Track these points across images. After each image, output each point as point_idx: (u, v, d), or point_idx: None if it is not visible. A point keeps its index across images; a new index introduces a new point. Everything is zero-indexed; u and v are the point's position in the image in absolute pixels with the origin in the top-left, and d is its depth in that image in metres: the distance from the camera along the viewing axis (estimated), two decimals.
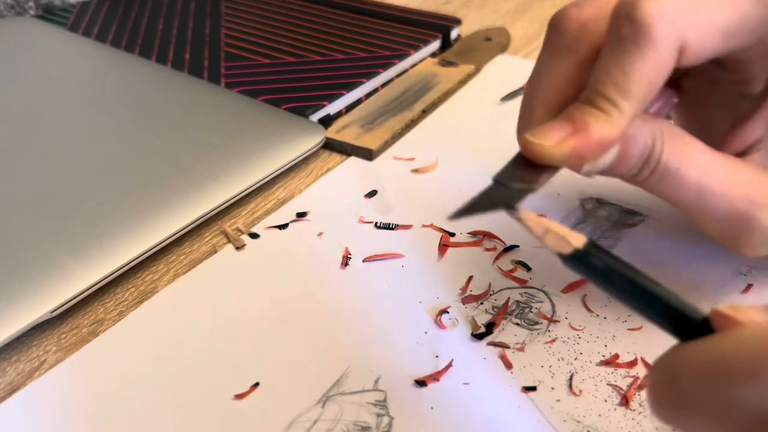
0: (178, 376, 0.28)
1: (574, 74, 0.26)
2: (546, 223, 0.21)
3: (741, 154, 0.29)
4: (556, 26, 0.27)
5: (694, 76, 0.31)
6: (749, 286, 0.31)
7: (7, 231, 0.34)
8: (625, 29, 0.23)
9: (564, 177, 0.39)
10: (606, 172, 0.27)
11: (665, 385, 0.17)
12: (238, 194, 0.38)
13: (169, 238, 0.35)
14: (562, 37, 0.26)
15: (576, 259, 0.20)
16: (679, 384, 0.17)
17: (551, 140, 0.24)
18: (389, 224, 0.36)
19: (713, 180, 0.26)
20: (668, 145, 0.26)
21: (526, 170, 0.24)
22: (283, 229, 0.37)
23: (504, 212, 0.22)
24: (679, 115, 0.33)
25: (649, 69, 0.23)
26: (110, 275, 0.32)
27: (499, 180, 0.24)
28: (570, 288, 0.32)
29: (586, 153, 0.24)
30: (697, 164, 0.26)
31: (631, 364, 0.28)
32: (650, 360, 0.28)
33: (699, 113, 0.32)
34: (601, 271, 0.20)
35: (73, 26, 0.61)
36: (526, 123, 0.27)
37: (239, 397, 0.27)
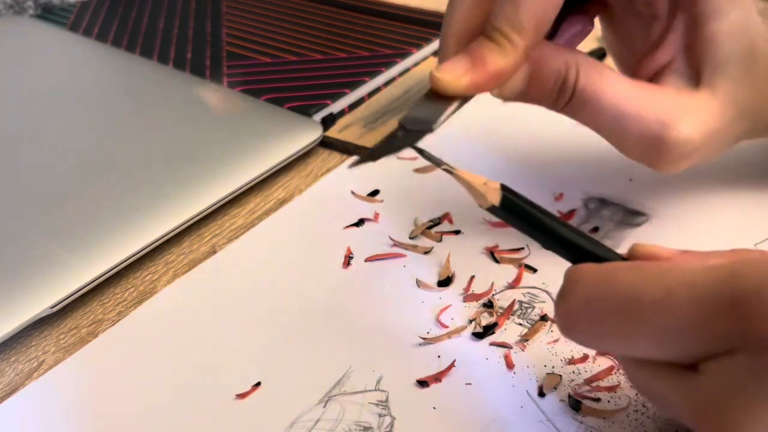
0: (178, 377, 0.28)
1: (477, 7, 0.28)
2: (470, 180, 0.24)
3: (654, 76, 0.30)
4: None
5: None
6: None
7: (6, 228, 0.34)
8: None
9: (567, 177, 0.39)
10: (523, 97, 0.29)
11: (580, 312, 0.21)
12: (235, 191, 0.38)
13: (167, 234, 0.34)
14: None
15: (496, 212, 0.24)
16: (592, 312, 0.20)
17: (452, 74, 0.26)
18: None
19: (628, 105, 0.27)
20: (584, 74, 0.27)
21: (431, 107, 0.26)
22: None
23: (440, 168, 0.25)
24: (608, 41, 0.34)
25: (537, 3, 0.25)
26: (109, 271, 0.32)
27: (403, 123, 0.26)
28: None
29: (483, 84, 0.26)
30: (612, 91, 0.27)
31: None
32: None
33: (625, 38, 0.33)
34: (519, 222, 0.24)
35: (73, 26, 0.60)
36: (441, 54, 0.29)
37: (241, 396, 0.27)
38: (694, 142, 0.27)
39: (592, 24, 0.33)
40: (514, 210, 0.23)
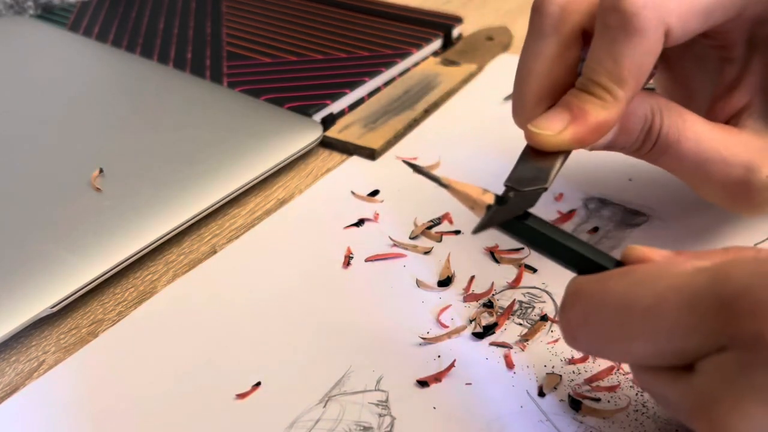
0: (178, 377, 0.28)
1: (559, 55, 0.27)
2: (471, 195, 0.23)
3: (731, 119, 0.29)
4: (538, 9, 0.27)
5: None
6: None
7: (6, 228, 0.34)
8: (612, 19, 0.25)
9: (567, 177, 0.39)
10: (610, 146, 0.28)
11: (580, 324, 0.21)
12: (235, 191, 0.38)
13: (168, 234, 0.34)
14: (545, 20, 0.27)
15: (501, 228, 0.23)
16: (591, 323, 0.21)
17: (553, 129, 0.25)
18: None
19: (711, 150, 0.27)
20: (667, 118, 0.27)
21: (534, 165, 0.25)
22: None
23: (436, 184, 0.24)
24: (661, 82, 0.34)
25: (638, 55, 0.25)
26: (109, 271, 0.32)
27: (511, 185, 0.25)
28: None
29: (587, 138, 0.25)
30: (695, 135, 0.27)
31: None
32: None
33: (682, 79, 0.32)
34: (521, 236, 0.23)
35: (73, 26, 0.60)
36: (519, 107, 0.28)
37: (241, 396, 0.27)
38: None
39: (656, 66, 0.33)
40: (504, 226, 0.23)
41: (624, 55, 0.25)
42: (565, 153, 0.26)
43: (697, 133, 0.27)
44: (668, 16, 0.24)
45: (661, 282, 0.19)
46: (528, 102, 0.28)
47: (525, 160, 0.26)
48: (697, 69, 0.32)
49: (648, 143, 0.27)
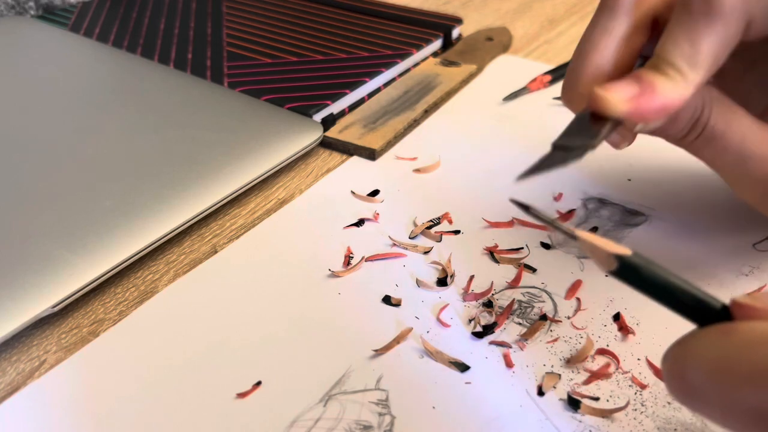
0: (179, 376, 0.28)
1: (628, 37, 0.27)
2: (591, 242, 0.21)
3: None
4: None
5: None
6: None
7: (7, 228, 0.34)
8: (696, 3, 0.24)
9: (566, 177, 0.39)
10: (656, 132, 0.28)
11: (674, 378, 0.19)
12: (236, 191, 0.38)
13: (169, 234, 0.35)
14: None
15: (614, 275, 0.21)
16: (685, 378, 0.18)
17: (619, 95, 0.25)
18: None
19: (755, 146, 0.27)
20: (716, 110, 0.27)
21: (583, 129, 0.25)
22: None
23: (558, 232, 0.22)
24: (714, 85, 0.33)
25: (717, 42, 0.24)
26: (111, 271, 0.32)
27: (558, 144, 0.24)
28: (572, 293, 0.32)
29: (649, 113, 0.25)
30: (741, 131, 0.27)
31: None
32: (653, 360, 0.28)
33: (735, 83, 0.31)
34: (636, 283, 0.21)
35: (74, 27, 0.61)
36: (575, 79, 0.28)
37: (241, 396, 0.27)
38: None
39: None
40: (631, 279, 0.21)
41: (702, 39, 0.24)
42: (616, 122, 0.25)
43: (743, 128, 0.27)
44: (753, 7, 0.24)
45: (762, 350, 0.17)
46: (586, 74, 0.27)
47: (576, 123, 0.26)
48: (758, 83, 0.31)
49: (693, 133, 0.27)
